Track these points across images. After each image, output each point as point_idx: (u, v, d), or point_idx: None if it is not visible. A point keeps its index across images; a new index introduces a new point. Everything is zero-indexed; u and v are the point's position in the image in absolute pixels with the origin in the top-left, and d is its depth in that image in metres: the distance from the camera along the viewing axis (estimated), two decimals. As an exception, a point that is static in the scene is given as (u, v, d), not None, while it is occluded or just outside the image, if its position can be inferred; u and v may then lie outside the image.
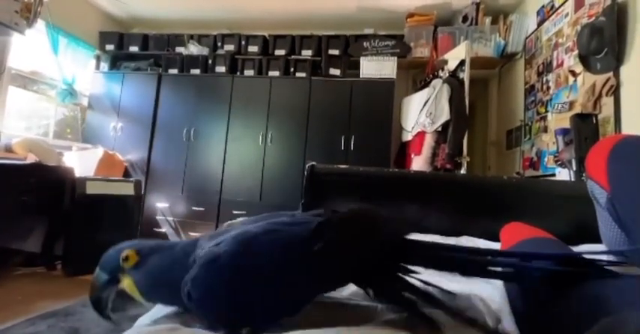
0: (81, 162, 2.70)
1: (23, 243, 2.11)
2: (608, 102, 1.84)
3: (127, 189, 2.35)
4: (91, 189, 2.19)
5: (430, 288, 0.47)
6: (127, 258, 0.45)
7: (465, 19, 3.05)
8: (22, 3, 2.28)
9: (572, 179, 1.75)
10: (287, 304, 0.43)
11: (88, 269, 2.03)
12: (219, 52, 3.28)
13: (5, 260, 2.09)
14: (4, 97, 2.70)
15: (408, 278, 0.46)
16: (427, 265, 0.46)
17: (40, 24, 2.62)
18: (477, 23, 2.98)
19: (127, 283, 0.44)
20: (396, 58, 2.98)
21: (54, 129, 3.18)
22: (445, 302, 0.43)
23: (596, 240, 0.63)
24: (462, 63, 2.56)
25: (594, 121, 1.72)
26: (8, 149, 2.38)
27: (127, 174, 3.08)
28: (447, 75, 2.63)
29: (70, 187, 2.20)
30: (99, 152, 2.81)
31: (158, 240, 0.50)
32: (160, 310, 0.51)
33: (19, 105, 2.91)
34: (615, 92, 1.80)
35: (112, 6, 3.49)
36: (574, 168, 1.71)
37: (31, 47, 2.87)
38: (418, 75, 3.31)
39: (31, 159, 2.28)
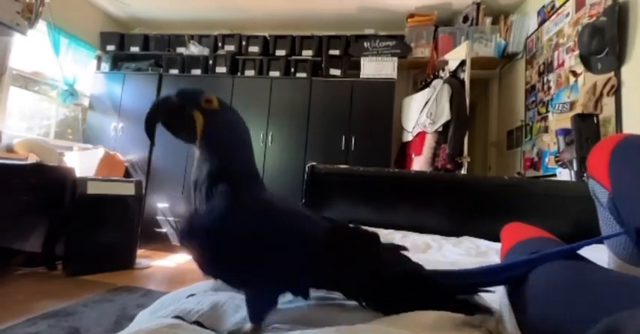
0: (82, 162, 2.70)
1: (24, 243, 2.12)
2: (609, 103, 1.84)
3: (128, 189, 2.36)
4: (92, 189, 2.20)
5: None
6: (209, 100, 0.47)
7: (465, 19, 3.05)
8: (24, 4, 2.29)
9: (573, 179, 1.75)
10: (273, 280, 0.45)
11: (88, 269, 2.03)
12: (220, 52, 3.28)
13: (6, 260, 2.09)
14: (6, 98, 2.71)
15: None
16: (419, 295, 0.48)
17: (41, 24, 2.62)
18: (477, 23, 2.97)
19: (198, 118, 0.46)
20: (396, 58, 2.98)
21: (55, 130, 3.18)
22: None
23: (598, 239, 0.62)
24: (462, 63, 2.56)
25: (595, 121, 1.72)
26: (9, 149, 2.39)
27: (127, 174, 3.08)
28: (448, 75, 2.63)
29: (70, 187, 2.20)
30: (100, 152, 2.81)
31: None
32: (159, 305, 0.51)
33: (20, 105, 2.92)
34: (616, 92, 1.79)
35: (112, 6, 3.50)
36: (575, 169, 1.71)
37: (32, 48, 2.88)
38: (419, 75, 3.31)
39: (32, 159, 2.28)
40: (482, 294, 0.50)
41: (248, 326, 0.43)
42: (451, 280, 0.50)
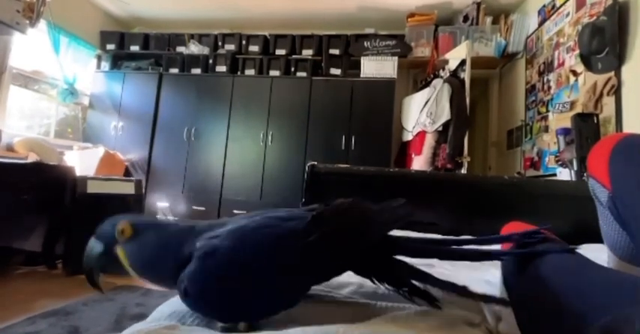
0: (82, 161, 2.70)
1: (24, 242, 2.12)
2: (609, 102, 1.84)
3: (128, 188, 2.36)
4: (92, 188, 2.20)
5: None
6: (122, 231, 0.45)
7: (465, 18, 3.05)
8: (25, 3, 2.28)
9: (574, 179, 1.75)
10: (285, 296, 0.44)
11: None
12: (220, 51, 3.28)
13: (6, 259, 2.09)
14: (6, 96, 2.70)
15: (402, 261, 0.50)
16: (410, 255, 0.52)
17: (41, 23, 2.62)
18: (477, 23, 2.97)
19: (120, 254, 0.45)
20: (396, 57, 2.98)
21: (55, 129, 3.18)
22: (439, 280, 0.47)
23: (598, 239, 0.62)
24: (462, 63, 2.56)
25: (595, 121, 1.72)
26: (10, 148, 2.39)
27: (127, 173, 3.08)
28: (448, 75, 2.63)
29: (70, 186, 2.20)
30: (100, 151, 2.81)
31: (154, 217, 0.51)
32: (160, 312, 0.51)
33: (20, 104, 2.92)
34: (616, 92, 1.79)
35: (113, 5, 3.50)
36: (575, 168, 1.71)
37: (32, 46, 2.87)
38: (419, 74, 3.31)
39: (32, 158, 2.28)
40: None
41: (242, 324, 0.43)
42: (419, 244, 0.54)
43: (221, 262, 0.41)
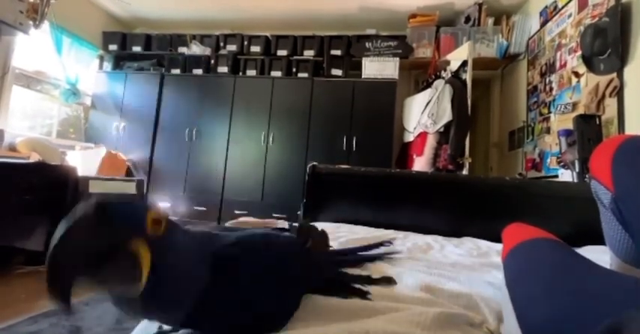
0: (84, 161, 2.71)
1: (26, 242, 2.12)
2: (611, 103, 1.83)
3: (130, 188, 2.36)
4: (94, 188, 2.20)
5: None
6: (157, 221, 0.30)
7: (467, 19, 3.05)
8: (29, 4, 2.29)
9: (575, 180, 1.75)
10: (295, 297, 0.48)
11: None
12: (222, 52, 3.29)
13: (8, 258, 2.10)
14: (9, 97, 2.71)
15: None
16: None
17: (44, 24, 2.63)
18: (479, 24, 2.97)
19: (144, 253, 0.28)
20: (398, 58, 2.98)
21: (57, 129, 3.19)
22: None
23: (600, 241, 0.62)
24: (464, 63, 2.55)
25: (597, 122, 1.71)
26: (12, 148, 2.40)
27: (129, 173, 3.09)
28: (450, 75, 2.63)
29: (72, 186, 2.20)
30: (102, 151, 2.82)
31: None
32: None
33: (22, 104, 2.93)
34: (619, 93, 1.79)
35: (115, 6, 3.51)
36: (577, 169, 1.70)
37: (35, 47, 2.88)
38: (420, 75, 3.31)
39: (34, 158, 2.29)
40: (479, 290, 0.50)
41: None
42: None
43: (247, 268, 0.40)
